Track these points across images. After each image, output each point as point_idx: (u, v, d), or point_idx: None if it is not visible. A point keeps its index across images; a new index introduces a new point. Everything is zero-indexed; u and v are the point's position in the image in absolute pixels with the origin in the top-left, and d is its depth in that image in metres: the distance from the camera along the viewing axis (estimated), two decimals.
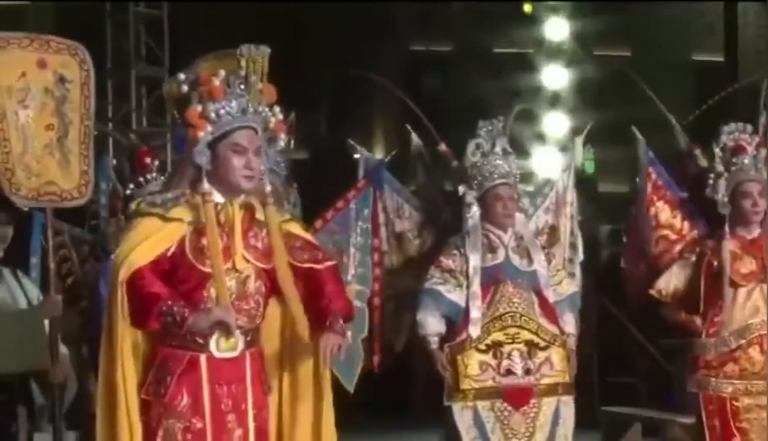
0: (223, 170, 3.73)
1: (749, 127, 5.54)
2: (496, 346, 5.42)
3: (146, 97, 12.08)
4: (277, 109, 3.87)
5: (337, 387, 5.49)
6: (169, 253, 3.69)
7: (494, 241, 5.55)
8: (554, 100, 12.93)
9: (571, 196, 6.03)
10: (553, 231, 5.96)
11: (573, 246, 5.97)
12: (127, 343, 3.71)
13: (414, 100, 6.31)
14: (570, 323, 5.60)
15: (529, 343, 5.42)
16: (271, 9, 16.81)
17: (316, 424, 3.90)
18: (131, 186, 5.09)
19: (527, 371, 5.40)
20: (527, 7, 13.61)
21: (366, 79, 7.33)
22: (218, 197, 3.75)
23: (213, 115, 3.70)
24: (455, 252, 5.54)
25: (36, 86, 4.73)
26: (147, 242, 3.68)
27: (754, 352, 5.33)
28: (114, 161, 5.82)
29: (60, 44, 4.83)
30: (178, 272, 3.70)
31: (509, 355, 5.42)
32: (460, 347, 5.45)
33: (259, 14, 17.56)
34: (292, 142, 5.70)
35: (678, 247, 5.63)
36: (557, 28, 12.88)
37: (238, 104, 3.74)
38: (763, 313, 5.33)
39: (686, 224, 5.70)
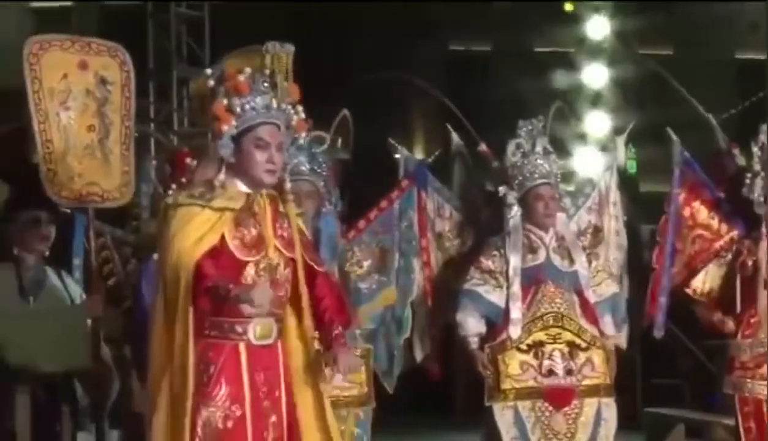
0: (246, 164, 3.84)
1: None
2: (538, 346, 5.40)
3: (187, 97, 12.14)
4: (299, 107, 3.97)
5: (379, 387, 5.52)
6: (218, 245, 3.77)
7: (535, 242, 5.52)
8: (595, 99, 12.85)
9: (615, 196, 5.98)
10: (596, 231, 5.92)
11: (619, 246, 5.93)
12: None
13: (453, 100, 6.30)
14: (609, 325, 5.56)
15: (571, 344, 5.39)
16: (311, 9, 16.84)
17: (319, 412, 3.99)
18: (173, 187, 5.11)
19: (569, 372, 5.37)
20: (568, 6, 13.53)
21: (406, 79, 7.33)
22: (244, 188, 3.87)
23: (238, 109, 3.81)
24: (495, 253, 5.52)
25: (77, 88, 4.77)
26: (198, 233, 3.74)
27: None
28: (154, 162, 5.85)
29: (101, 46, 4.87)
30: (220, 260, 3.77)
31: (550, 356, 5.39)
32: (500, 347, 5.43)
33: (300, 14, 17.60)
34: (339, 141, 5.71)
35: (715, 247, 5.59)
36: (598, 27, 12.79)
37: (263, 100, 3.85)
38: None
39: (723, 224, 5.66)
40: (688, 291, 5.47)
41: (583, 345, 5.41)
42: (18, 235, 4.77)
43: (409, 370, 5.79)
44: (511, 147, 5.65)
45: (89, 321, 4.71)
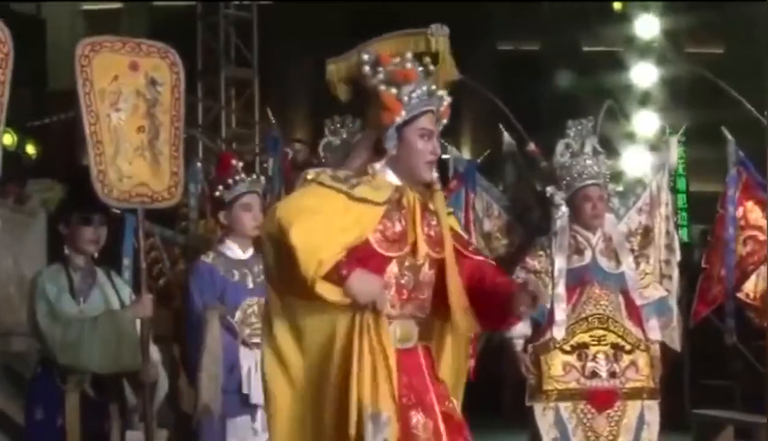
0: (407, 155, 3.60)
1: None
2: (581, 347, 5.37)
3: (235, 98, 12.20)
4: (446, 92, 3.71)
5: None
6: (360, 241, 3.51)
7: (581, 243, 5.49)
8: (644, 99, 12.75)
9: (666, 196, 5.94)
10: (646, 232, 5.87)
11: (669, 247, 5.88)
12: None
13: (503, 99, 6.28)
14: (655, 329, 5.53)
15: (615, 346, 5.36)
16: (360, 9, 16.84)
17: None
18: (219, 188, 5.14)
19: (612, 374, 5.35)
20: (617, 5, 13.45)
21: (456, 79, 7.29)
22: (395, 180, 3.63)
23: (405, 98, 3.57)
24: (541, 253, 5.50)
25: (128, 89, 4.79)
26: (333, 229, 3.46)
27: None
28: (199, 164, 5.89)
29: (151, 47, 4.89)
30: (358, 252, 3.52)
31: (594, 358, 5.37)
32: (544, 348, 5.41)
33: (348, 15, 17.63)
34: None
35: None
36: (648, 26, 12.68)
37: (427, 87, 3.63)
38: None
39: None
40: (740, 295, 5.41)
41: (628, 347, 5.38)
42: (69, 236, 4.80)
43: None
44: (560, 147, 5.63)
45: (138, 321, 4.73)
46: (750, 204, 5.65)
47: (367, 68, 3.59)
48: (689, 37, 14.55)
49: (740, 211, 5.65)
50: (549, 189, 5.58)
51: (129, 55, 4.81)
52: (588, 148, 5.61)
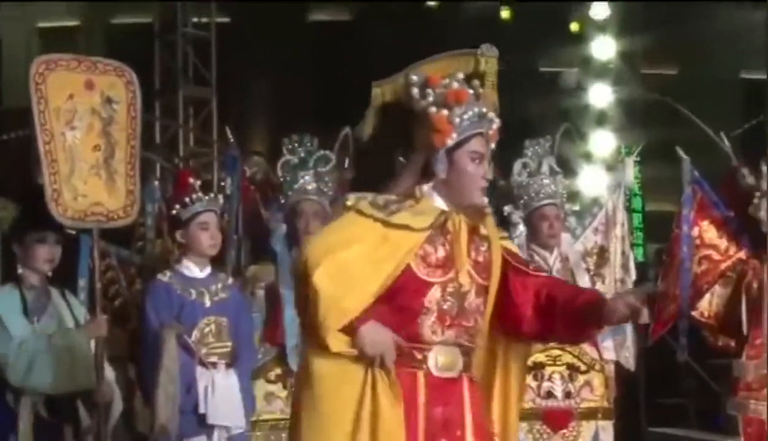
0: (458, 179, 3.50)
1: None
2: (537, 367, 5.39)
3: (193, 116, 12.16)
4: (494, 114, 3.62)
5: None
6: (399, 270, 3.42)
7: (538, 262, 5.51)
8: (601, 119, 12.87)
9: (622, 216, 5.97)
10: (602, 252, 5.91)
11: (624, 267, 5.91)
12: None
13: None
14: (609, 349, 5.57)
15: (571, 367, 5.39)
16: (319, 28, 16.88)
17: None
18: (177, 206, 5.12)
19: (567, 394, 5.37)
20: (574, 26, 13.57)
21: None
22: (441, 204, 3.52)
23: (457, 120, 3.47)
24: None
25: (83, 107, 4.76)
26: (364, 269, 3.36)
27: None
28: (156, 183, 5.86)
29: (107, 65, 4.87)
30: (398, 279, 3.43)
31: (550, 378, 5.39)
32: None
33: (307, 35, 17.64)
34: (347, 160, 5.71)
35: (722, 267, 5.56)
36: (604, 47, 12.81)
37: (478, 109, 3.53)
38: None
39: (731, 245, 5.63)
40: (695, 314, 5.45)
41: (583, 367, 5.40)
42: (23, 255, 4.76)
43: None
44: (517, 166, 5.65)
45: (93, 341, 4.69)
46: (705, 223, 5.69)
47: (415, 90, 3.51)
48: (644, 58, 14.69)
49: (695, 231, 5.69)
50: (506, 208, 5.60)
51: (84, 74, 4.78)
52: (545, 168, 5.63)
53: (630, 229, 6.05)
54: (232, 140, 6.04)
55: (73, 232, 5.09)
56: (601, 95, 12.87)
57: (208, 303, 5.05)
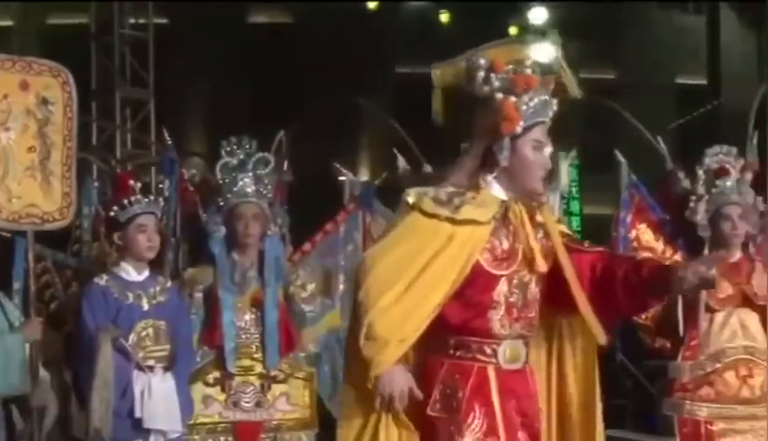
0: (520, 168, 3.42)
1: (734, 150, 5.53)
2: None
3: (131, 118, 12.07)
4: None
5: (323, 410, 5.49)
6: (467, 272, 3.36)
7: None
8: None
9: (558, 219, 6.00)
10: None
11: None
12: None
13: (400, 123, 6.31)
14: None
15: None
16: (258, 31, 16.82)
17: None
18: (114, 208, 5.06)
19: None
20: (513, 30, 13.66)
21: (353, 102, 7.33)
22: (501, 194, 3.45)
23: (524, 107, 3.40)
24: None
25: (18, 108, 4.70)
26: (427, 281, 3.31)
27: (730, 377, 5.31)
28: (96, 184, 5.80)
29: (42, 66, 4.80)
30: (468, 276, 3.38)
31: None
32: None
33: (246, 37, 17.57)
34: (285, 163, 5.70)
35: None
36: (543, 52, 12.92)
37: (542, 96, 3.46)
38: (741, 337, 5.31)
39: (668, 247, 5.68)
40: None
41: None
42: None
43: None
44: None
45: (27, 345, 4.62)
46: (642, 226, 5.74)
47: (481, 74, 3.43)
48: (582, 62, 14.83)
49: (633, 234, 5.74)
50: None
51: (19, 74, 4.72)
52: None
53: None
54: (170, 142, 5.99)
55: (8, 235, 5.02)
56: None
57: (146, 306, 5.00)
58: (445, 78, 3.56)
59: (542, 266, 3.46)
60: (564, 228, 3.68)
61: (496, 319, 3.42)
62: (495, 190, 3.44)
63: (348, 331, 3.44)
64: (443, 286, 3.34)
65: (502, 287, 3.41)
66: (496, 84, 3.40)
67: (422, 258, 3.33)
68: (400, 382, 3.31)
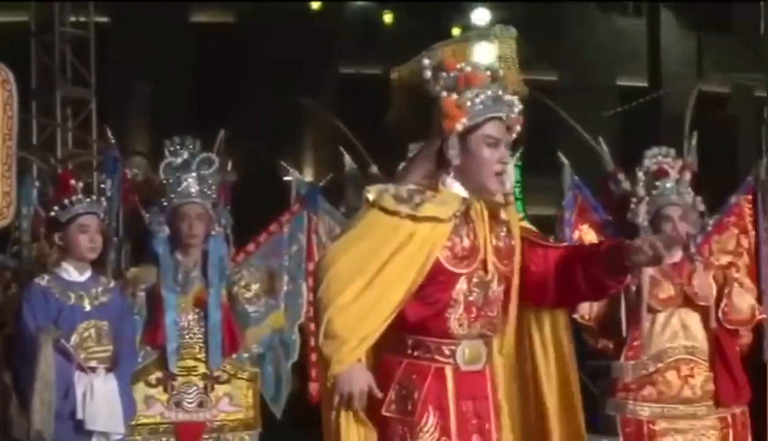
0: (473, 165, 3.41)
1: (672, 152, 5.59)
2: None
3: (72, 117, 11.95)
4: (517, 98, 3.53)
5: (266, 410, 5.47)
6: (427, 269, 3.35)
7: None
8: None
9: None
10: None
11: None
12: None
13: (345, 123, 6.31)
14: None
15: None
16: (201, 30, 16.73)
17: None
18: (55, 208, 5.01)
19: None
20: (456, 31, 13.72)
21: (299, 102, 7.31)
22: (462, 192, 3.43)
23: (468, 103, 3.37)
24: None
25: None
26: (387, 279, 3.30)
27: (672, 376, 5.36)
28: (37, 183, 5.74)
29: None
30: (427, 273, 3.38)
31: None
32: None
33: (188, 36, 17.47)
34: (229, 164, 5.68)
35: None
36: (485, 52, 12.98)
37: (492, 92, 3.43)
38: (682, 337, 5.38)
39: None
40: (576, 316, 5.53)
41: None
42: None
43: (297, 393, 5.76)
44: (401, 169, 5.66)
45: None
46: (585, 227, 5.79)
47: (428, 73, 3.42)
48: (525, 64, 14.92)
49: (576, 234, 5.78)
50: None
51: None
52: None
53: None
54: (113, 141, 5.94)
55: None
56: None
57: (87, 307, 4.97)
58: (402, 80, 3.56)
59: (495, 266, 3.45)
60: (527, 224, 3.68)
61: (454, 319, 3.41)
62: (456, 188, 3.44)
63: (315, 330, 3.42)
64: (403, 284, 3.34)
65: (461, 285, 3.40)
66: (441, 82, 3.40)
67: (382, 255, 3.32)
68: (360, 381, 3.30)
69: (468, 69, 3.42)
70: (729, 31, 20.75)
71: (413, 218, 3.35)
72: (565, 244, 3.67)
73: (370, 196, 3.39)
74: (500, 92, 3.46)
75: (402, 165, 3.64)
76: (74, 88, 11.87)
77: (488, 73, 3.45)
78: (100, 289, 5.03)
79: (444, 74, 3.41)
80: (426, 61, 3.44)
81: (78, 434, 4.84)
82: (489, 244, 3.44)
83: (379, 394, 3.36)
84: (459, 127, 3.38)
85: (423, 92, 3.44)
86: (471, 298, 3.42)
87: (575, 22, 19.61)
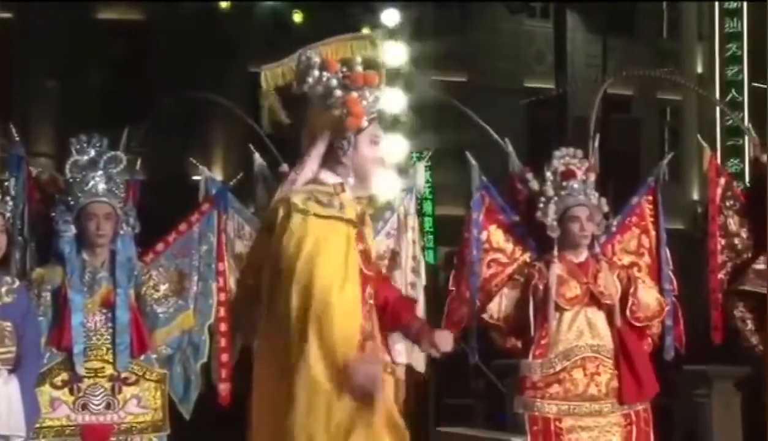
0: (361, 164, 3.45)
1: (579, 152, 5.68)
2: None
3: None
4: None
5: (175, 411, 5.43)
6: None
7: None
8: (393, 124, 13.06)
9: (413, 220, 6.07)
10: (394, 256, 5.98)
11: (415, 271, 6.00)
12: None
13: (257, 121, 6.28)
14: (401, 352, 5.62)
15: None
16: (107, 28, 16.52)
17: None
18: None
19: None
20: (365, 30, 13.76)
21: (207, 100, 7.26)
22: (349, 193, 3.45)
23: (365, 103, 3.40)
24: None
25: None
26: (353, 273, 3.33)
27: (578, 374, 5.45)
28: None
29: None
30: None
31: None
32: None
33: (94, 33, 17.24)
34: (138, 162, 5.62)
35: (509, 270, 5.72)
36: (395, 53, 13.02)
37: (379, 92, 3.50)
38: (588, 336, 5.46)
39: (518, 248, 5.79)
40: (485, 316, 5.58)
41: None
42: None
43: (206, 395, 5.72)
44: None
45: None
46: (493, 227, 5.83)
47: (316, 72, 3.42)
48: (434, 65, 15.02)
49: (484, 235, 5.82)
50: None
51: None
52: None
53: (421, 233, 6.15)
54: (17, 139, 5.84)
55: None
56: (392, 101, 13.06)
57: None
58: (276, 78, 3.59)
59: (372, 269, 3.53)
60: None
61: (366, 320, 3.46)
62: (348, 190, 3.47)
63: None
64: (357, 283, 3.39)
65: (369, 289, 3.46)
66: (333, 82, 3.43)
67: (341, 257, 3.35)
68: (375, 367, 3.40)
69: (359, 69, 3.47)
70: (632, 34, 21.14)
71: (341, 220, 3.39)
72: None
73: (297, 204, 3.37)
74: (378, 92, 3.53)
75: (293, 169, 3.62)
76: None
77: (377, 74, 3.51)
78: (4, 289, 4.94)
79: (327, 73, 3.43)
80: (315, 60, 3.46)
81: None
82: (372, 244, 3.54)
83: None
84: (364, 124, 3.42)
85: (298, 93, 3.48)
86: (371, 302, 3.51)
87: (484, 24, 19.78)
